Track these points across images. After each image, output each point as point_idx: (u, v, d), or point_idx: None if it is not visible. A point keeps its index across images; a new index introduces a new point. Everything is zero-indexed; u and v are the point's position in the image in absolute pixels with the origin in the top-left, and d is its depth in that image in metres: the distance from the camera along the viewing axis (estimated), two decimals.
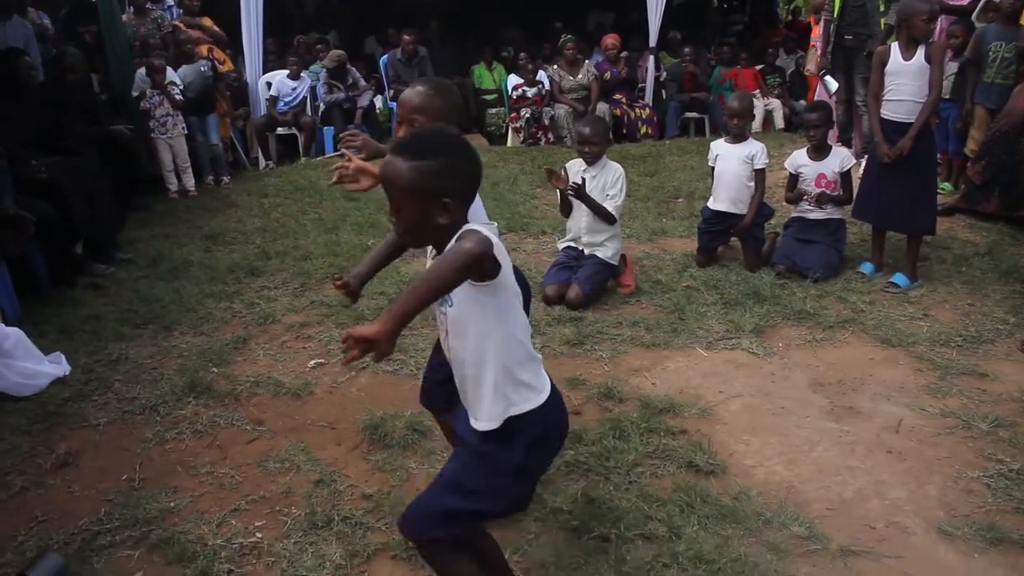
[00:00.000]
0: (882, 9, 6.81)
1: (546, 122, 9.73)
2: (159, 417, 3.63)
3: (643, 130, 9.89)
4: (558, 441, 2.21)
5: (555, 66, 9.91)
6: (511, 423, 2.03)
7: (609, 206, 4.77)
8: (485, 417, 2.05)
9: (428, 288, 1.77)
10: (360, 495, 3.02)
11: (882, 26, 6.76)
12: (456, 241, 1.86)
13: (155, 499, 3.03)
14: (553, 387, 2.13)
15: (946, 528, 2.76)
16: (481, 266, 1.85)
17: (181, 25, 8.67)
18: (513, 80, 10.04)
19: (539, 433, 2.08)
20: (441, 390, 2.65)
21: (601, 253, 4.84)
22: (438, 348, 2.64)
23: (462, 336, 2.01)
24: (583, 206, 4.80)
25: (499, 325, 1.99)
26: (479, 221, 2.01)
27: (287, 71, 9.37)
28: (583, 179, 4.76)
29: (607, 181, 4.80)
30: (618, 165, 4.87)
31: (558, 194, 4.88)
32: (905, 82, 4.66)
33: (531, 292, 2.93)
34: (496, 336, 1.99)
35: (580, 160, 4.88)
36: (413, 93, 2.61)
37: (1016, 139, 5.70)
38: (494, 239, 1.88)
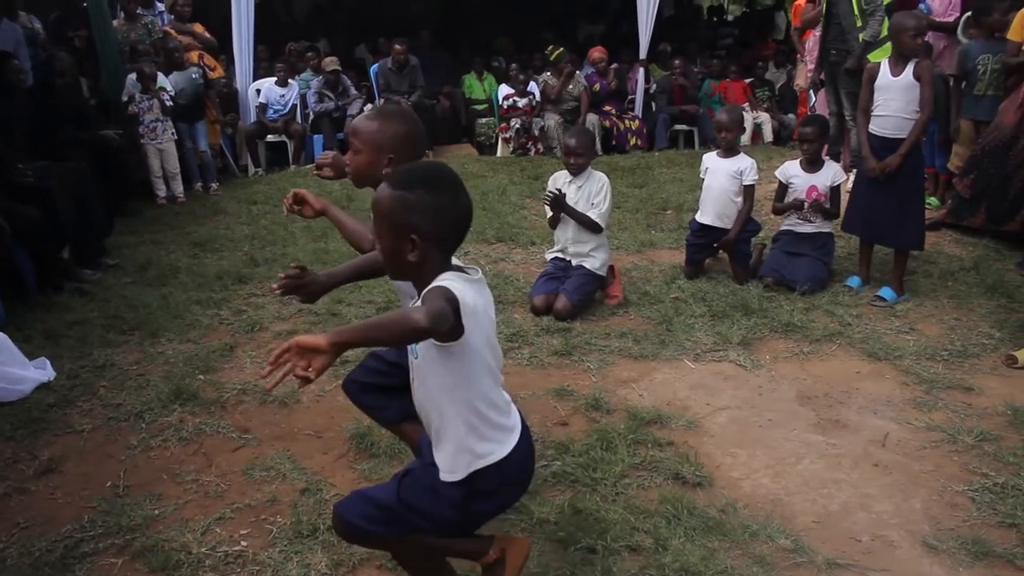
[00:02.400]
0: (859, 24, 6.84)
1: (536, 132, 9.75)
2: (144, 424, 3.61)
3: (632, 142, 9.92)
4: (512, 494, 2.24)
5: (547, 73, 9.92)
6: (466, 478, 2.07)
7: (593, 214, 4.77)
8: (447, 468, 2.07)
9: (375, 336, 1.80)
10: None
11: (859, 40, 6.80)
12: (422, 297, 1.85)
13: (139, 506, 3.01)
14: (522, 435, 2.14)
15: (931, 542, 2.77)
16: (436, 332, 1.82)
17: (172, 31, 8.65)
18: (504, 90, 10.07)
19: (490, 487, 2.10)
20: (380, 396, 2.77)
21: (589, 264, 4.84)
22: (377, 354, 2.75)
23: (425, 388, 2.04)
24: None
25: (463, 384, 2.00)
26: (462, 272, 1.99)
27: (275, 78, 9.37)
28: (560, 190, 4.78)
29: (592, 190, 4.81)
30: (603, 174, 4.88)
31: (547, 207, 4.90)
32: (893, 98, 4.69)
33: None
34: (459, 394, 2.00)
35: (565, 172, 4.90)
36: (359, 118, 2.65)
37: (1005, 153, 5.73)
38: (467, 297, 1.86)
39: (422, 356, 1.98)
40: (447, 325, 1.79)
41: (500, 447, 2.08)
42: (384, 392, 2.77)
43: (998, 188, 5.79)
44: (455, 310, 1.82)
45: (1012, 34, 5.91)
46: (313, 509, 2.97)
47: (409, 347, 2.01)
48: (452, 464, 2.06)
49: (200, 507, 3.02)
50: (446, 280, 1.89)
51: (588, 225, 4.79)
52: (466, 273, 1.99)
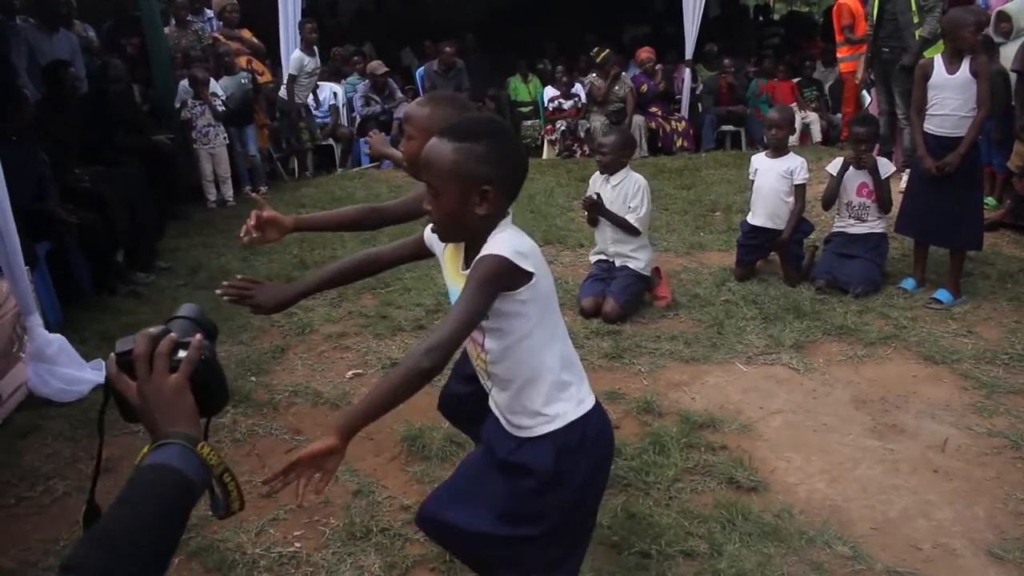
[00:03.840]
0: (916, 20, 6.71)
1: (581, 134, 9.73)
2: None
3: (679, 143, 9.85)
4: (607, 453, 2.09)
5: (593, 74, 9.88)
6: (550, 433, 1.95)
7: (631, 218, 4.76)
8: (526, 423, 1.96)
9: (385, 404, 1.72)
10: (399, 506, 3.01)
11: (916, 37, 6.67)
12: (470, 272, 1.79)
13: (194, 507, 3.03)
14: (597, 402, 2.04)
15: (996, 551, 2.69)
16: (509, 281, 1.78)
17: (221, 37, 8.78)
18: (550, 92, 10.06)
19: (578, 441, 1.96)
20: (467, 402, 2.63)
21: (632, 264, 4.82)
22: (465, 357, 2.56)
23: (501, 348, 1.91)
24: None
25: (543, 327, 1.91)
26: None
27: None
28: (598, 195, 4.79)
29: (628, 192, 4.79)
30: (640, 176, 4.85)
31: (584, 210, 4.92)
32: (950, 96, 4.59)
33: None
34: (543, 337, 1.91)
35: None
36: (411, 104, 2.61)
37: None
38: (519, 242, 1.81)
39: (492, 315, 1.85)
40: (449, 351, 1.72)
41: (586, 398, 1.99)
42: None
43: None
44: (507, 273, 1.77)
45: None
46: (366, 511, 2.98)
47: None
48: (539, 416, 1.95)
49: (254, 508, 3.03)
50: (501, 238, 1.82)
51: (626, 229, 4.78)
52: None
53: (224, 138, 7.72)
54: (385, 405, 1.72)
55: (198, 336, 1.27)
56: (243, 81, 8.20)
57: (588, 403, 2.00)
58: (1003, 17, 6.52)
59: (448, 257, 2.02)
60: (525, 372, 1.93)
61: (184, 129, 7.55)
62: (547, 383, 1.94)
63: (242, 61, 8.72)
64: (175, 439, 1.18)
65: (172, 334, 1.25)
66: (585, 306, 4.72)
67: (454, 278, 1.98)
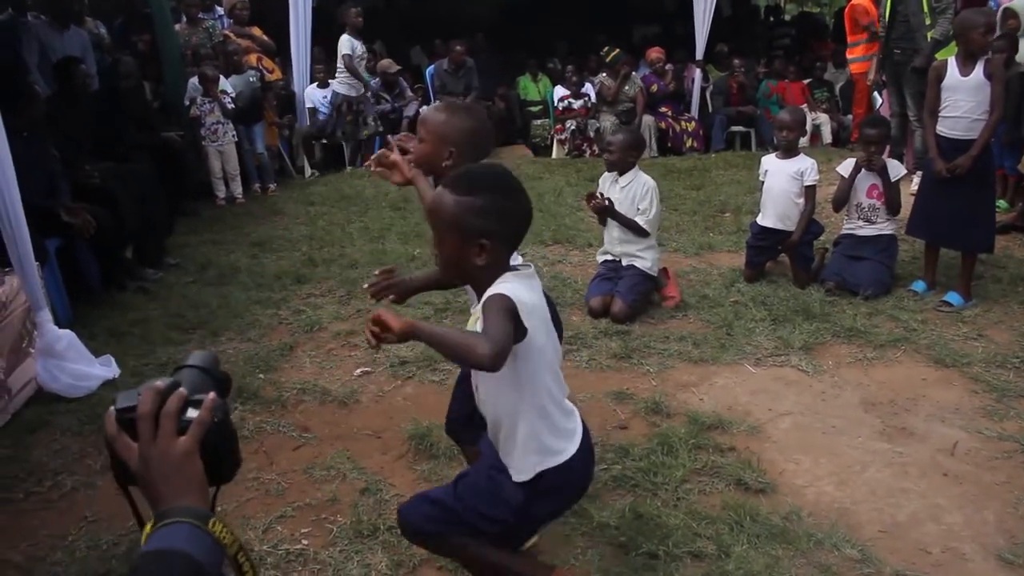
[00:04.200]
0: (928, 22, 6.69)
1: (591, 134, 9.72)
2: None
3: (688, 143, 9.83)
4: (572, 497, 2.25)
5: (603, 74, 9.87)
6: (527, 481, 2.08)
7: (640, 220, 4.75)
8: (515, 469, 2.08)
9: (441, 345, 1.83)
10: None
11: (928, 39, 6.65)
12: (482, 307, 1.87)
13: None
14: (583, 437, 2.14)
15: (1006, 556, 2.68)
16: (494, 368, 1.86)
17: (231, 35, 8.80)
18: (559, 92, 10.05)
19: (554, 488, 2.10)
20: (470, 424, 2.61)
21: (639, 263, 4.81)
22: (464, 379, 2.64)
23: (491, 391, 2.05)
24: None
25: (529, 384, 2.00)
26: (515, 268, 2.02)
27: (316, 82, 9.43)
28: (608, 199, 4.79)
29: (637, 193, 4.79)
30: (649, 178, 4.84)
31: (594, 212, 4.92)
32: (963, 98, 4.56)
33: (562, 328, 2.84)
34: (526, 395, 2.01)
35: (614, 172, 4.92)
36: (429, 108, 2.64)
37: None
38: (524, 297, 1.88)
39: None
40: (504, 359, 1.80)
41: (567, 447, 2.08)
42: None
43: None
44: (514, 315, 1.84)
45: None
46: (373, 509, 2.98)
47: None
48: (520, 465, 2.06)
49: (262, 505, 3.04)
50: (505, 285, 1.89)
51: (635, 229, 4.78)
52: (518, 271, 2.00)
53: (233, 135, 7.74)
54: (439, 346, 1.83)
55: (211, 395, 1.12)
56: (251, 79, 8.22)
57: (570, 450, 2.09)
58: (1010, 14, 6.48)
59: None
60: (510, 420, 2.04)
61: (193, 126, 7.57)
62: (528, 436, 2.04)
63: (252, 59, 8.74)
64: (183, 517, 1.06)
65: (181, 389, 1.11)
66: (593, 306, 4.71)
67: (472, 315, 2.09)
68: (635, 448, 3.30)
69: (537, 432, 2.03)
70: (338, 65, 8.88)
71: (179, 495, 1.07)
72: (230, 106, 7.65)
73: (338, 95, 8.97)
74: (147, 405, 1.07)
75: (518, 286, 1.90)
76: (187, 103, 7.65)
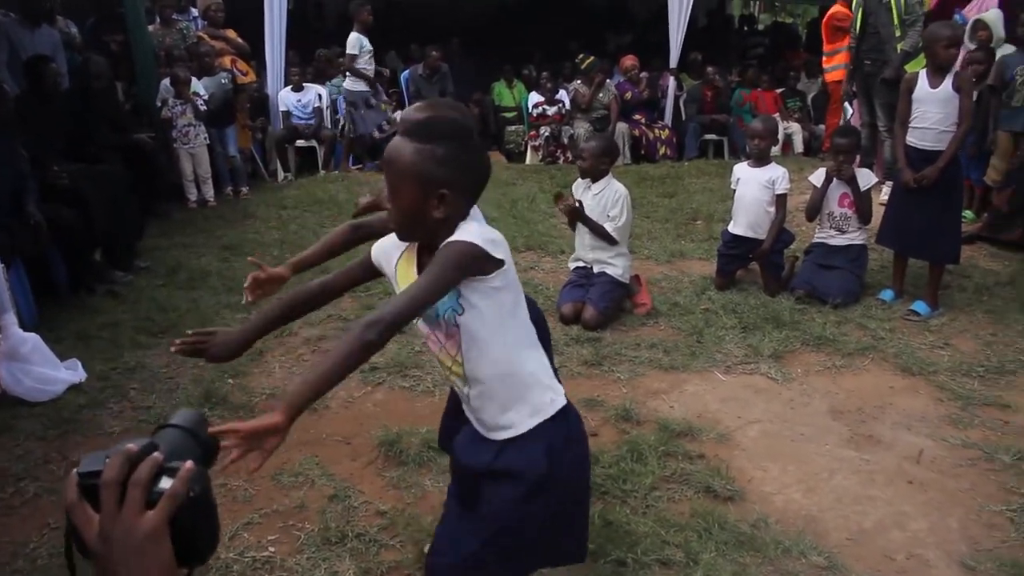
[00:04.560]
0: (898, 34, 6.77)
1: (565, 141, 9.74)
2: None
3: (662, 151, 9.88)
4: (581, 447, 2.05)
5: (578, 81, 9.90)
6: (535, 428, 1.92)
7: (609, 227, 4.77)
8: (509, 423, 1.92)
9: (331, 377, 1.67)
10: (375, 511, 3.00)
11: (897, 50, 6.72)
12: (437, 255, 1.76)
13: None
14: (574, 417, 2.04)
15: (968, 562, 2.71)
16: (479, 266, 1.77)
17: (205, 36, 8.74)
18: (534, 98, 10.08)
19: (563, 435, 1.95)
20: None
21: (610, 271, 4.83)
22: (454, 393, 2.57)
23: (481, 346, 1.87)
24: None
25: (514, 319, 1.90)
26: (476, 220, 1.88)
27: (290, 85, 9.38)
28: (579, 202, 4.80)
29: (608, 201, 4.80)
30: (621, 186, 4.86)
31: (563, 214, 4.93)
32: (932, 110, 4.62)
33: (549, 334, 2.80)
34: (511, 337, 1.89)
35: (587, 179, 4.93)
36: (409, 109, 2.55)
37: None
38: (487, 233, 1.80)
39: (467, 307, 1.83)
40: (398, 324, 1.71)
41: (558, 397, 1.97)
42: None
43: None
44: (478, 257, 1.76)
45: None
46: (341, 516, 2.96)
47: (449, 308, 1.84)
48: (517, 417, 1.92)
49: (228, 512, 3.01)
50: (465, 228, 1.80)
51: (604, 236, 4.80)
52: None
53: (205, 138, 7.67)
54: (331, 380, 1.69)
55: (188, 463, 0.94)
56: (223, 81, 8.15)
57: (563, 400, 1.99)
58: (980, 26, 6.58)
59: (400, 270, 1.98)
60: (502, 366, 1.90)
61: (165, 128, 7.50)
62: (527, 373, 1.93)
63: (227, 61, 8.67)
64: None
65: (157, 454, 0.94)
66: (565, 312, 4.72)
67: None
68: (605, 455, 3.30)
69: (526, 383, 1.92)
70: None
71: None
72: (203, 108, 7.59)
73: (352, 92, 8.91)
74: (114, 471, 0.91)
75: (481, 225, 1.82)
76: (159, 104, 7.58)
